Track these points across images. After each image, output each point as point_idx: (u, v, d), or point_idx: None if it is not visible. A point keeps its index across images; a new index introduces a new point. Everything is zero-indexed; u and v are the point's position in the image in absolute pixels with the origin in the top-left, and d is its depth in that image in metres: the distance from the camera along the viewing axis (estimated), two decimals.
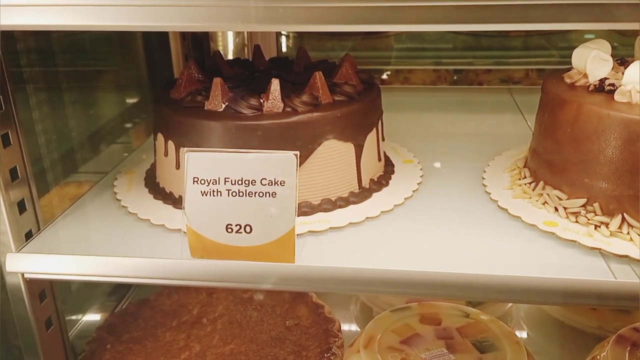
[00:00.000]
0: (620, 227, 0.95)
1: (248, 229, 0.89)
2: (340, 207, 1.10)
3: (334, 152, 1.08)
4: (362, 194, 1.13)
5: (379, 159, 1.20)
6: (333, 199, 1.10)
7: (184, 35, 1.79)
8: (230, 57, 1.96)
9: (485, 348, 1.16)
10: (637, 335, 1.13)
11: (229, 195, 0.89)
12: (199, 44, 1.93)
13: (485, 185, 1.17)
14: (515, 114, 1.67)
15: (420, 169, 1.27)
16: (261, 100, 1.06)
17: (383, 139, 1.24)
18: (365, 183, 1.15)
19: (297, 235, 1.01)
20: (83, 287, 1.59)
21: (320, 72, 1.09)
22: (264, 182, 0.88)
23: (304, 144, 1.04)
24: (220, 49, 2.11)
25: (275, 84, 1.05)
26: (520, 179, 1.15)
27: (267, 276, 0.89)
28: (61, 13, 0.78)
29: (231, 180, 0.89)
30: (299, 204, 1.07)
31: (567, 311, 1.39)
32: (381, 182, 1.18)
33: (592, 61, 1.02)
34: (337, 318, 1.34)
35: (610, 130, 0.94)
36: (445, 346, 1.12)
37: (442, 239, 1.00)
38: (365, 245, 0.99)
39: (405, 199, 1.13)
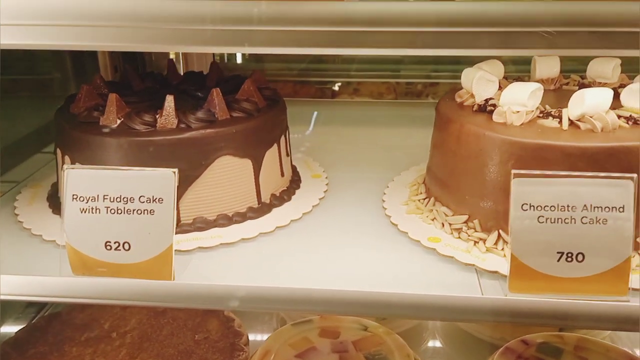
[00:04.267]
0: (496, 243, 0.99)
1: (127, 246, 0.90)
2: (237, 222, 1.11)
3: (230, 168, 1.09)
4: (261, 209, 1.15)
5: (282, 174, 1.22)
6: (230, 214, 1.11)
7: None
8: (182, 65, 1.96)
9: None
10: (524, 347, 1.17)
11: (107, 213, 0.90)
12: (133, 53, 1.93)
13: (384, 201, 1.20)
14: None
15: (326, 184, 1.29)
16: (156, 117, 1.07)
17: (288, 154, 1.26)
18: (266, 198, 1.16)
19: (187, 251, 1.03)
20: None
21: (218, 89, 1.11)
22: (142, 199, 0.89)
23: (197, 160, 1.06)
24: (173, 56, 2.10)
25: (169, 101, 1.06)
26: (417, 195, 1.18)
27: (145, 294, 0.89)
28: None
29: (110, 198, 0.89)
30: (193, 219, 1.09)
31: (475, 324, 1.42)
32: (283, 197, 1.20)
33: (477, 82, 1.06)
34: (245, 332, 1.35)
35: (487, 149, 0.98)
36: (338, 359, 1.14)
37: (328, 255, 1.02)
38: (253, 262, 1.00)
39: (303, 214, 1.15)
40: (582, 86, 1.16)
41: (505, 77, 1.19)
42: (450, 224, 1.05)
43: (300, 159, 1.41)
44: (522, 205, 0.86)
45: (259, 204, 1.15)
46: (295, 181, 1.27)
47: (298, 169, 1.35)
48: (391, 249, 1.04)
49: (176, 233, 1.06)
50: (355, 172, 1.37)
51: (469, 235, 1.02)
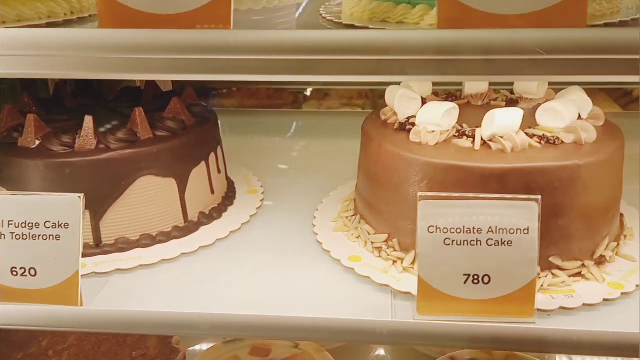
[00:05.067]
0: (413, 263, 0.98)
1: (33, 272, 0.89)
2: (161, 242, 1.10)
3: (152, 188, 1.08)
4: (187, 228, 1.14)
5: (212, 192, 1.21)
6: (154, 234, 1.10)
7: None
8: None
9: None
10: None
11: (12, 239, 0.89)
12: None
13: (315, 217, 1.19)
14: None
15: (261, 200, 1.28)
16: (76, 137, 1.06)
17: (220, 171, 1.25)
18: (193, 216, 1.16)
19: (105, 273, 1.02)
20: None
21: (141, 109, 1.10)
22: (47, 225, 0.88)
23: (116, 180, 1.05)
24: None
25: (87, 121, 1.05)
26: (346, 212, 1.18)
27: (51, 319, 0.88)
28: None
29: (15, 223, 0.88)
30: (115, 240, 1.08)
31: None
32: (212, 215, 1.19)
33: (399, 100, 1.06)
34: (182, 348, 1.34)
35: (403, 169, 0.97)
36: None
37: (247, 276, 1.01)
38: (171, 284, 0.99)
39: (230, 232, 1.15)
40: (509, 102, 1.16)
41: (435, 93, 1.19)
42: (372, 243, 1.05)
43: (240, 174, 1.40)
44: (429, 227, 0.86)
45: (185, 222, 1.14)
46: (228, 198, 1.27)
47: (236, 185, 1.34)
48: (312, 268, 1.03)
49: (97, 254, 1.07)
50: (294, 187, 1.36)
51: (388, 255, 1.01)
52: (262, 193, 1.31)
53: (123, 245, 1.07)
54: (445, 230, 0.85)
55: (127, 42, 0.68)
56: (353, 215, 1.14)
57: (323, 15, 0.97)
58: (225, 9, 0.68)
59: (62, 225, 0.88)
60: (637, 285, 0.94)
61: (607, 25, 0.84)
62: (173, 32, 0.67)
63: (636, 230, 1.10)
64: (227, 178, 1.34)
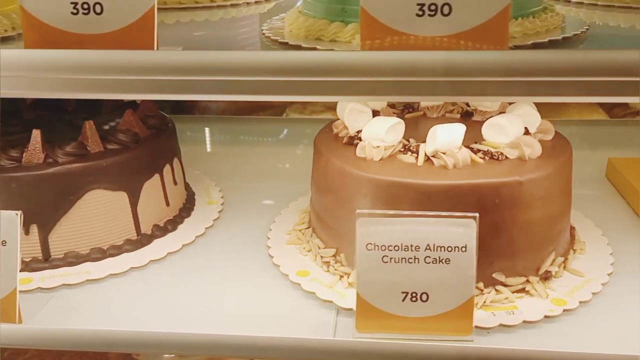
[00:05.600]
0: None
1: None
2: (112, 255, 1.09)
3: (102, 201, 1.08)
4: (140, 241, 1.13)
5: (167, 204, 1.20)
6: (104, 247, 1.10)
7: None
8: None
9: None
10: None
11: None
12: None
13: (270, 229, 1.19)
14: None
15: (219, 212, 1.27)
16: (24, 151, 1.05)
17: (176, 183, 1.24)
18: (147, 229, 1.15)
19: (51, 288, 1.02)
20: None
21: (91, 122, 1.09)
22: None
23: (64, 195, 1.04)
24: None
25: (35, 135, 1.05)
26: (301, 224, 1.18)
27: None
28: None
29: None
30: (65, 254, 1.07)
31: None
32: (167, 227, 1.19)
33: (349, 113, 1.05)
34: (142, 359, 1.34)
35: (348, 185, 0.97)
36: None
37: (193, 292, 1.01)
38: (117, 300, 0.99)
39: (183, 245, 1.14)
40: (464, 114, 1.16)
41: (392, 105, 1.19)
42: (321, 257, 1.05)
43: (202, 184, 1.40)
44: (367, 245, 0.85)
45: (138, 235, 1.14)
46: (186, 209, 1.26)
47: (197, 196, 1.34)
48: (261, 283, 1.03)
49: (46, 268, 1.06)
50: (256, 197, 1.36)
51: (335, 270, 1.01)
52: (222, 204, 1.31)
53: (72, 260, 1.07)
54: (383, 248, 0.85)
55: (48, 63, 0.68)
56: (307, 228, 1.14)
57: (264, 31, 0.97)
58: (148, 30, 0.67)
59: (0, 243, 0.88)
60: (580, 302, 0.93)
61: (551, 42, 0.83)
62: (93, 53, 0.67)
63: (595, 243, 1.09)
64: (188, 189, 1.34)
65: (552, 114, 2.06)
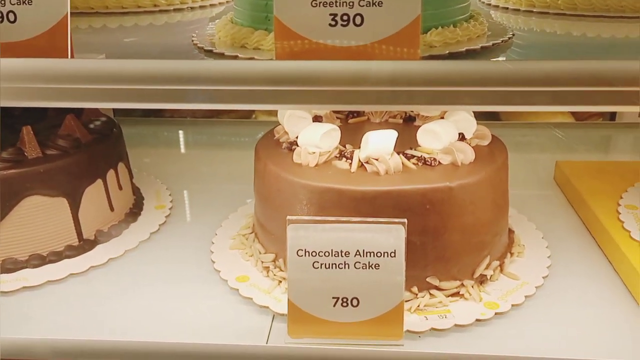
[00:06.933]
0: None
1: None
2: (52, 262, 1.08)
3: (41, 207, 1.07)
4: (82, 247, 1.12)
5: (112, 209, 1.20)
6: (44, 253, 1.08)
7: None
8: None
9: None
10: None
11: None
12: None
13: (216, 234, 1.19)
14: None
15: (166, 216, 1.27)
16: None
17: (121, 187, 1.23)
18: (89, 235, 1.14)
19: None
20: None
21: (29, 127, 1.08)
22: None
23: (0, 201, 1.03)
24: None
25: None
26: (246, 228, 1.18)
27: None
28: None
29: None
30: (3, 260, 1.06)
31: None
32: (111, 232, 1.18)
33: (288, 119, 1.05)
34: None
35: (283, 191, 0.97)
36: None
37: (134, 299, 1.00)
38: (55, 307, 0.98)
39: (126, 251, 1.13)
40: (407, 119, 1.17)
41: (337, 110, 1.19)
42: (262, 262, 1.05)
43: (152, 188, 1.39)
44: (298, 250, 0.86)
45: (80, 241, 1.13)
46: (132, 214, 1.25)
47: (145, 200, 1.33)
48: (201, 289, 1.02)
49: None
50: (205, 201, 1.35)
51: (274, 275, 1.01)
52: (170, 209, 1.30)
53: (10, 266, 1.05)
54: (313, 254, 0.85)
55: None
56: (251, 233, 1.14)
57: (193, 39, 0.97)
58: (62, 38, 0.67)
59: None
60: (513, 305, 0.95)
61: (468, 51, 0.84)
62: (5, 61, 0.66)
63: (534, 247, 1.11)
64: (137, 193, 1.33)
65: (513, 117, 2.09)
